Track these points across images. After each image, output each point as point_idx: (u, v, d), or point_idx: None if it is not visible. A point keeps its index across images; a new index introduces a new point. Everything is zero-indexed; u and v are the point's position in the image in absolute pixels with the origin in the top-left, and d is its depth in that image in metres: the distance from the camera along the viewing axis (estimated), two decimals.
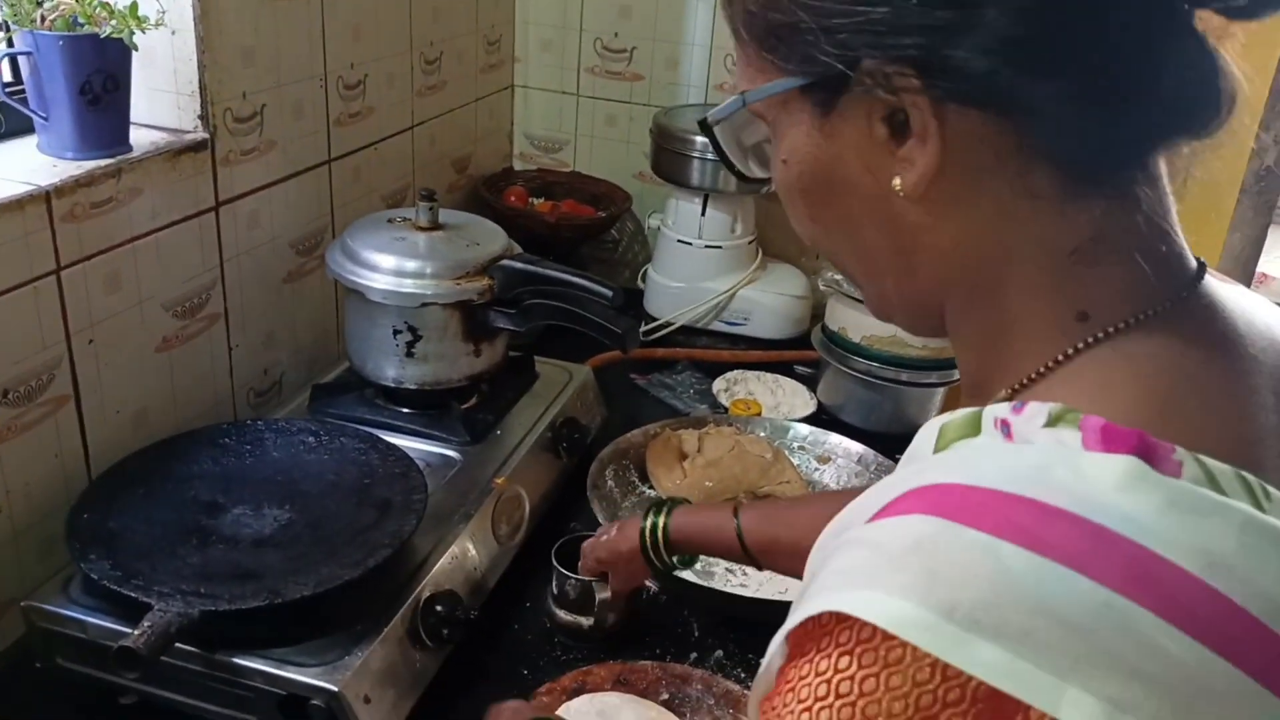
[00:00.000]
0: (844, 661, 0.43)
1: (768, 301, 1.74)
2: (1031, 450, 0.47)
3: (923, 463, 0.52)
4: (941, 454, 0.52)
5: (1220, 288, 0.54)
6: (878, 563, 0.45)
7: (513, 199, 1.84)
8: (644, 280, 1.83)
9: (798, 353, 1.70)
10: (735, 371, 1.66)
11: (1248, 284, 1.73)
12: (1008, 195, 0.51)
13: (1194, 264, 0.54)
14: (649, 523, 1.01)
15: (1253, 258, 1.72)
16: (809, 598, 0.47)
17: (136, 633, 0.81)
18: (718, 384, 1.62)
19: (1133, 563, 0.42)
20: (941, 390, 1.51)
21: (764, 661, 0.50)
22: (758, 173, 0.62)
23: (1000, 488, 0.45)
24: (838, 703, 0.43)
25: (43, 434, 1.01)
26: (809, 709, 0.44)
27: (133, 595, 0.85)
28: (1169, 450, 0.45)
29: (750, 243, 1.76)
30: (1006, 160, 0.51)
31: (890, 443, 1.42)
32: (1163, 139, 0.51)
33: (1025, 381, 0.52)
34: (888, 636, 0.42)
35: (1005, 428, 0.49)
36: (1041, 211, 0.51)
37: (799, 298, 1.75)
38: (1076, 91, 0.48)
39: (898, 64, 0.49)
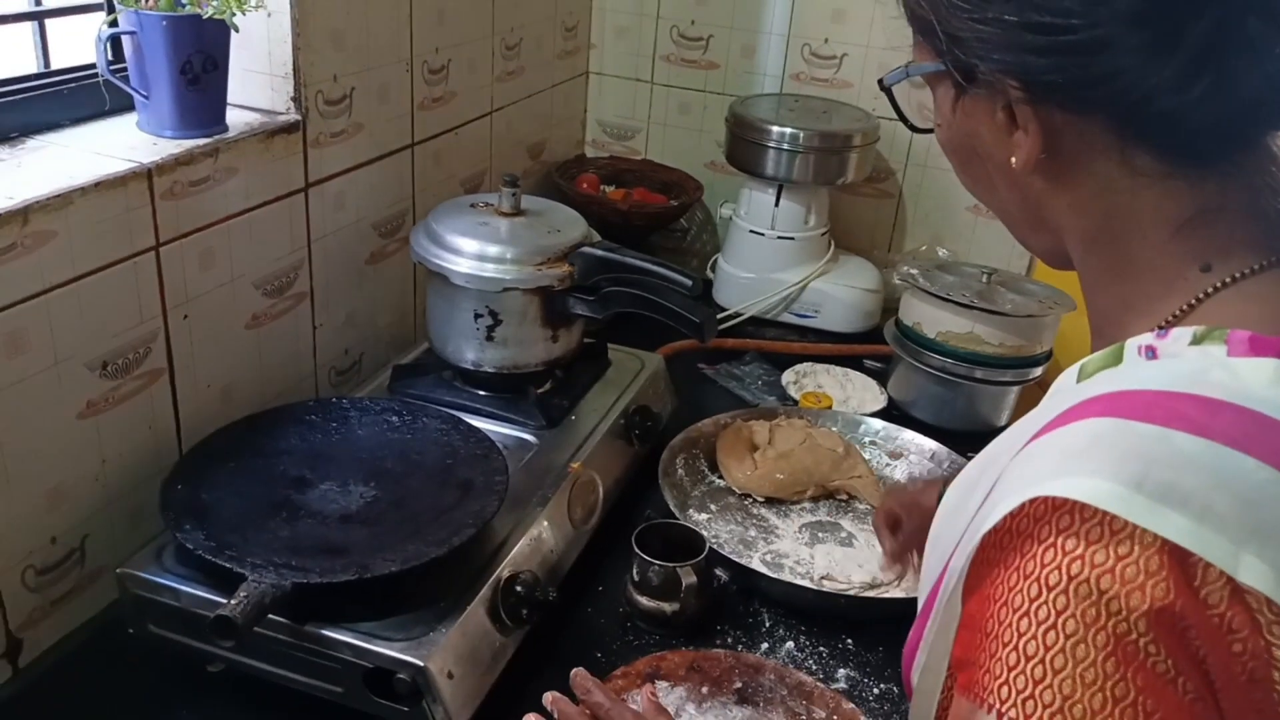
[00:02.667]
0: (1070, 543, 0.48)
1: (839, 294, 1.73)
2: (1182, 360, 0.54)
3: (1066, 394, 0.58)
4: (1086, 382, 0.58)
5: None
6: (1064, 457, 0.51)
7: (585, 186, 1.85)
8: (713, 270, 1.83)
9: (868, 346, 1.69)
10: (804, 364, 1.65)
11: None
12: (1113, 174, 0.59)
13: None
14: None
15: None
16: (1001, 499, 0.52)
17: (233, 602, 0.83)
18: (786, 376, 1.62)
19: None
20: (1016, 389, 1.50)
21: (946, 552, 0.58)
22: (917, 123, 0.71)
23: (1163, 388, 0.51)
24: (1071, 584, 0.48)
25: (137, 405, 1.04)
26: (1045, 600, 0.48)
27: (227, 566, 0.88)
28: None
29: (823, 235, 1.75)
30: (1106, 147, 0.58)
31: (962, 440, 1.41)
32: (1256, 130, 0.57)
33: (1159, 326, 0.58)
34: (1090, 514, 0.48)
35: (1150, 352, 0.56)
36: (1147, 186, 0.58)
37: (870, 291, 1.74)
38: (1170, 93, 0.54)
39: (1003, 72, 0.58)
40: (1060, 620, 0.47)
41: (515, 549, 1.02)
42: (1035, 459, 0.53)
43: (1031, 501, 0.50)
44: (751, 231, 1.74)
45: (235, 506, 0.98)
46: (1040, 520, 0.49)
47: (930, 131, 0.71)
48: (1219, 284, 0.57)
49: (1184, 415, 0.49)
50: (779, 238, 1.73)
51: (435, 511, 1.00)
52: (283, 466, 1.05)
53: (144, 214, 1.00)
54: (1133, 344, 0.57)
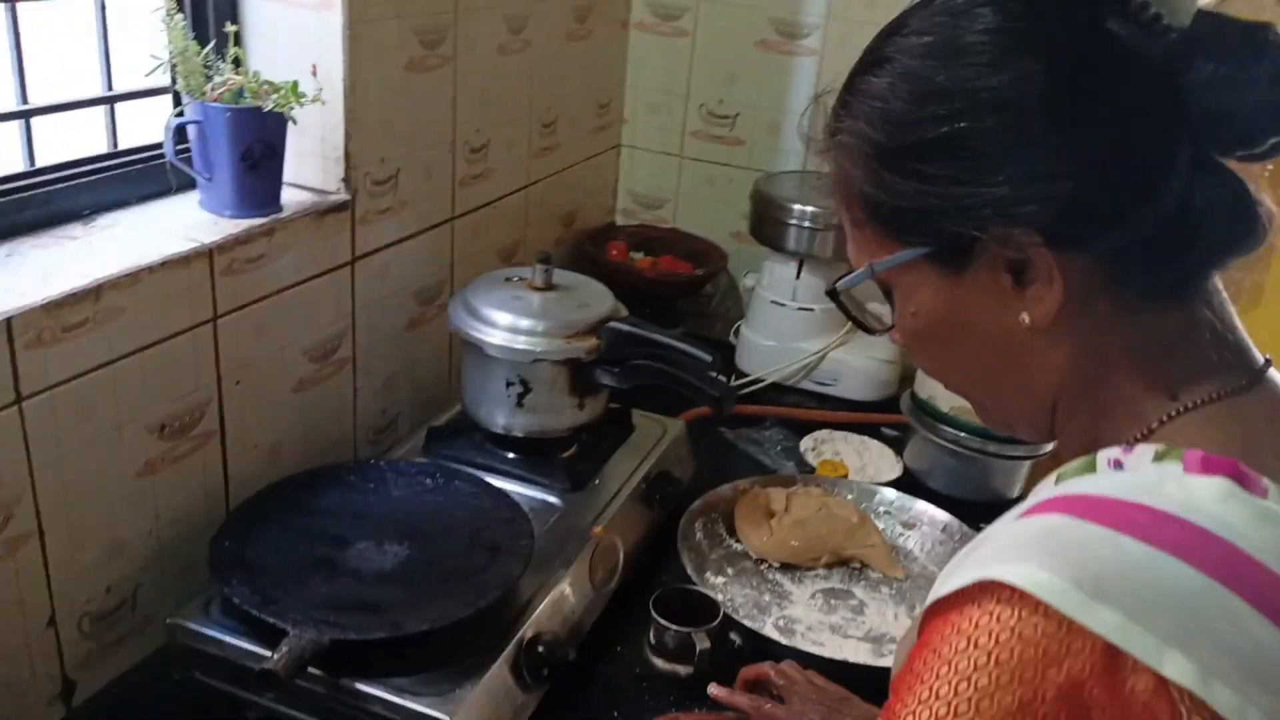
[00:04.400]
0: (1005, 613, 0.53)
1: (857, 364, 1.79)
2: (1142, 473, 0.59)
3: (1043, 493, 0.62)
4: (1061, 484, 0.62)
5: None
6: (1018, 545, 0.56)
7: (614, 253, 1.93)
8: (736, 336, 1.90)
9: (885, 416, 1.75)
10: (822, 431, 1.71)
11: None
12: (1106, 313, 0.64)
13: (1260, 358, 0.66)
14: None
15: None
16: (955, 575, 0.57)
17: (275, 656, 0.90)
18: (805, 442, 1.67)
19: (1229, 557, 0.52)
20: (1029, 463, 1.55)
21: (906, 630, 0.62)
22: (879, 325, 0.74)
23: (1119, 496, 0.56)
24: (996, 647, 0.52)
25: (191, 465, 1.12)
26: (969, 654, 0.53)
27: (271, 620, 0.94)
28: (1258, 478, 0.56)
29: (825, 292, 1.80)
30: (1105, 287, 0.63)
31: (976, 511, 1.46)
32: (1218, 261, 0.64)
33: (1127, 444, 0.62)
34: (1027, 596, 0.52)
35: (1117, 464, 0.61)
36: (1133, 324, 0.64)
37: (888, 362, 1.80)
38: (1150, 235, 0.61)
39: (1020, 226, 0.61)
40: (977, 674, 0.52)
41: (538, 610, 1.08)
42: (995, 543, 0.58)
43: (979, 581, 0.55)
44: (773, 302, 1.81)
45: (278, 563, 1.05)
46: (983, 597, 0.54)
47: (886, 331, 0.72)
48: (1181, 409, 0.62)
49: (1134, 522, 0.54)
50: (800, 309, 1.79)
51: (465, 572, 1.06)
52: (323, 525, 1.12)
53: (204, 289, 1.08)
54: (1104, 455, 0.62)
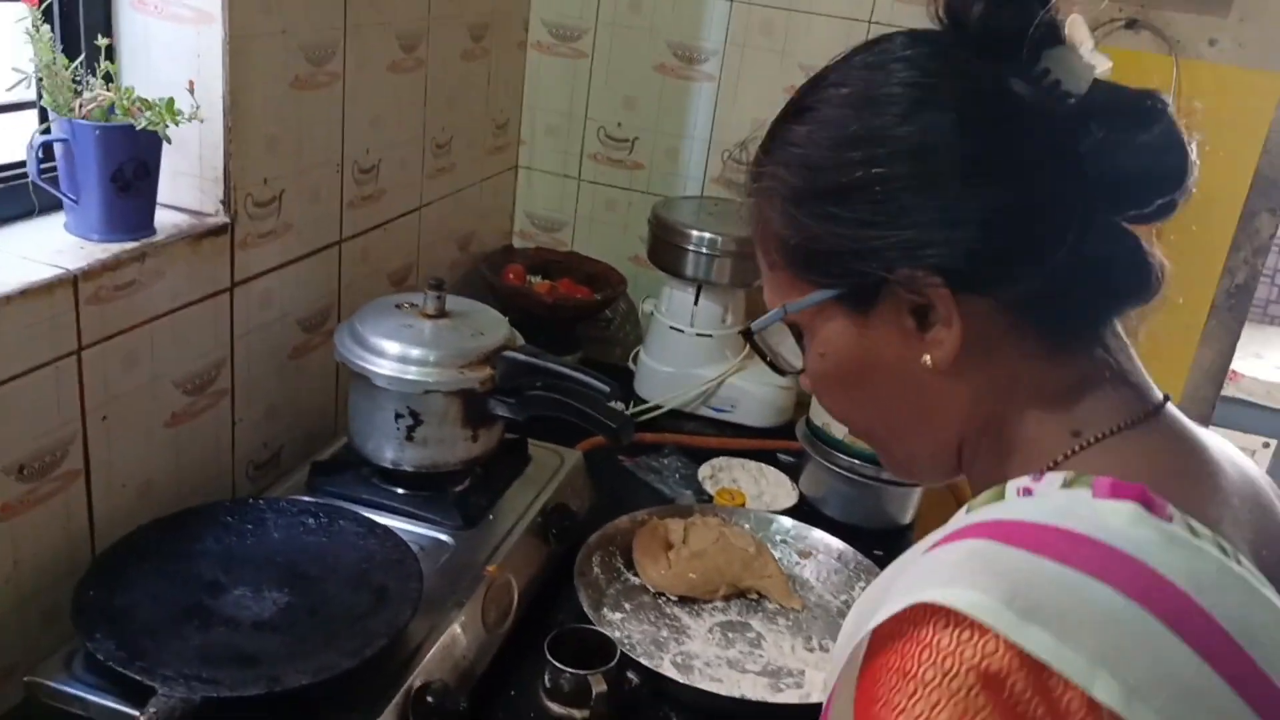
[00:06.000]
0: (945, 641, 0.53)
1: (754, 390, 1.79)
2: (1052, 499, 0.60)
3: (957, 522, 0.63)
4: (973, 513, 0.63)
5: (1181, 415, 0.69)
6: (944, 569, 0.57)
7: (511, 276, 1.89)
8: (635, 362, 1.88)
9: (782, 442, 1.75)
10: (720, 458, 1.70)
11: (1215, 397, 1.79)
12: (1009, 357, 0.66)
13: (1159, 394, 0.68)
14: None
15: (1222, 370, 1.79)
16: (889, 602, 0.57)
17: (143, 717, 0.84)
18: (703, 470, 1.66)
19: (1145, 579, 0.54)
20: (920, 489, 1.56)
21: (842, 655, 0.62)
22: (790, 366, 0.76)
23: (1034, 520, 0.57)
24: (945, 679, 0.52)
25: (53, 507, 1.04)
26: (921, 697, 0.53)
27: (138, 677, 0.88)
28: (1163, 504, 0.58)
29: (740, 333, 1.81)
30: (1006, 331, 0.66)
31: (871, 538, 1.48)
32: (1115, 310, 0.68)
33: (1035, 474, 0.64)
34: (963, 617, 0.53)
35: (1027, 492, 0.62)
36: (1034, 367, 0.67)
37: (784, 388, 1.80)
38: (1048, 283, 0.64)
39: (924, 269, 0.64)
40: (935, 713, 0.52)
41: (428, 656, 1.03)
42: (921, 570, 0.58)
43: (912, 606, 0.55)
44: (672, 328, 1.80)
45: (148, 612, 0.98)
46: (919, 623, 0.55)
47: (797, 373, 0.75)
48: (1084, 444, 0.64)
49: (1050, 544, 0.55)
50: (698, 334, 1.79)
51: (349, 619, 1.01)
52: (197, 570, 1.05)
53: (68, 319, 1.01)
54: (1013, 485, 0.64)
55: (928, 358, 0.66)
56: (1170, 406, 0.68)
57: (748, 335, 0.75)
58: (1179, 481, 0.62)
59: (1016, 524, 0.58)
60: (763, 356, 0.77)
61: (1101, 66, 0.64)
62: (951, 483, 0.76)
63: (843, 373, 0.71)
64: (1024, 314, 0.65)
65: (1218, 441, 0.69)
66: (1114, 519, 0.56)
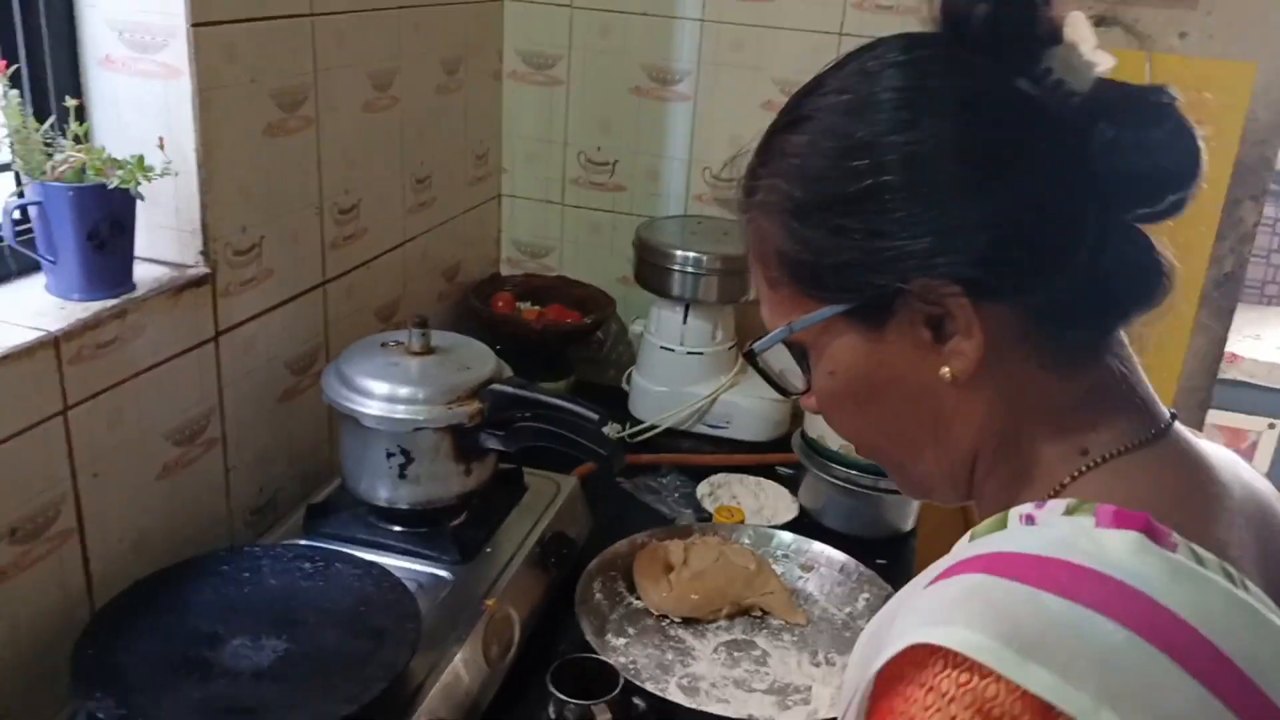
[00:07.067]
0: (945, 685, 0.52)
1: (748, 405, 1.79)
2: (1055, 529, 0.59)
3: (959, 552, 0.61)
4: (975, 542, 0.62)
5: (1188, 432, 0.67)
6: (942, 607, 0.55)
7: (500, 304, 1.90)
8: (628, 382, 1.88)
9: (779, 455, 1.75)
10: (719, 475, 1.70)
11: (1211, 385, 1.79)
12: (1024, 369, 0.64)
13: (1166, 412, 0.67)
14: None
15: (1215, 359, 1.79)
16: (891, 642, 0.56)
17: None
18: (702, 488, 1.66)
19: (1149, 611, 0.52)
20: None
21: (849, 699, 0.61)
22: (795, 388, 0.73)
23: (1035, 552, 0.56)
24: (939, 717, 0.51)
25: (48, 568, 1.04)
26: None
27: None
28: (1167, 532, 0.56)
29: (730, 349, 1.81)
30: (1021, 342, 0.64)
31: (871, 547, 1.47)
32: (1128, 315, 0.66)
33: (1038, 501, 0.62)
34: (962, 658, 0.52)
35: (1029, 520, 0.61)
36: (1047, 379, 0.65)
37: (778, 401, 1.80)
38: (1065, 288, 0.62)
39: (940, 278, 0.61)
40: None
41: (430, 695, 1.03)
42: (919, 607, 0.57)
43: (911, 647, 0.54)
44: (662, 347, 1.80)
45: (147, 668, 0.98)
46: (919, 665, 0.53)
47: (803, 394, 0.71)
48: (1091, 464, 0.63)
49: (1052, 578, 0.54)
50: (688, 353, 1.79)
51: (347, 664, 1.01)
52: (194, 622, 1.05)
53: (51, 380, 1.01)
54: (1015, 512, 0.62)
55: (946, 370, 0.64)
56: (1177, 425, 0.67)
57: (750, 357, 0.72)
58: (1186, 505, 0.61)
59: (1017, 556, 0.56)
60: (767, 378, 0.74)
61: (1104, 64, 0.62)
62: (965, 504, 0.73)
63: (854, 390, 0.68)
64: (1041, 321, 0.63)
65: (1224, 457, 0.68)
66: (1116, 550, 0.55)
